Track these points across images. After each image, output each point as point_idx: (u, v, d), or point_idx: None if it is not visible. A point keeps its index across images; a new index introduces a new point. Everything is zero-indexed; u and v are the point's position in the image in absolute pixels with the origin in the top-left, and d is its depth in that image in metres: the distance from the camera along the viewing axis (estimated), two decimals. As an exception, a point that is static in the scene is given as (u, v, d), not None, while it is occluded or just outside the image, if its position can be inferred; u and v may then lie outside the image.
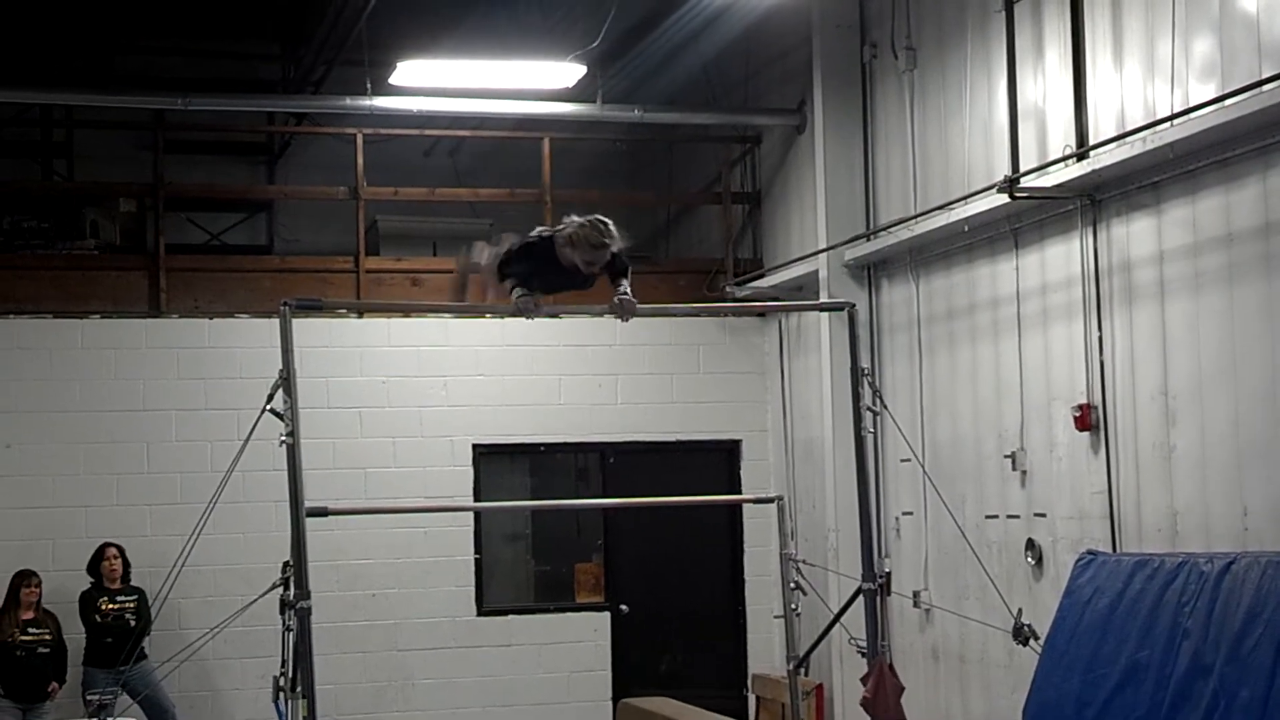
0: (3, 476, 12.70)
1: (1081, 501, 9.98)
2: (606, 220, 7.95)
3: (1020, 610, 9.37)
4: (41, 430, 12.82)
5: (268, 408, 8.20)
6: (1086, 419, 9.83)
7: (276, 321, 8.38)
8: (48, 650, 11.94)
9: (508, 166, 14.98)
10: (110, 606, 12.10)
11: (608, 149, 16.11)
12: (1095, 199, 9.82)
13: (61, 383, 12.91)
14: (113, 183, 14.33)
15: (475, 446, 13.72)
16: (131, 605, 12.10)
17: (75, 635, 12.13)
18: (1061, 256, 10.27)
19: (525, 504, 13.97)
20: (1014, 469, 10.66)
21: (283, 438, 8.17)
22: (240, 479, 8.55)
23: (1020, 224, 10.64)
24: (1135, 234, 9.52)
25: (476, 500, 13.55)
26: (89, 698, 8.76)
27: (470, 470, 13.67)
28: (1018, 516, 10.67)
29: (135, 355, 13.09)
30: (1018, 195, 10.08)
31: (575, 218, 7.98)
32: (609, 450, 13.94)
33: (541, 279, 8.17)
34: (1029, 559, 10.46)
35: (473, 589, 13.65)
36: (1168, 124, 8.92)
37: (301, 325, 8.73)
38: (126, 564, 12.28)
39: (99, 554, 12.28)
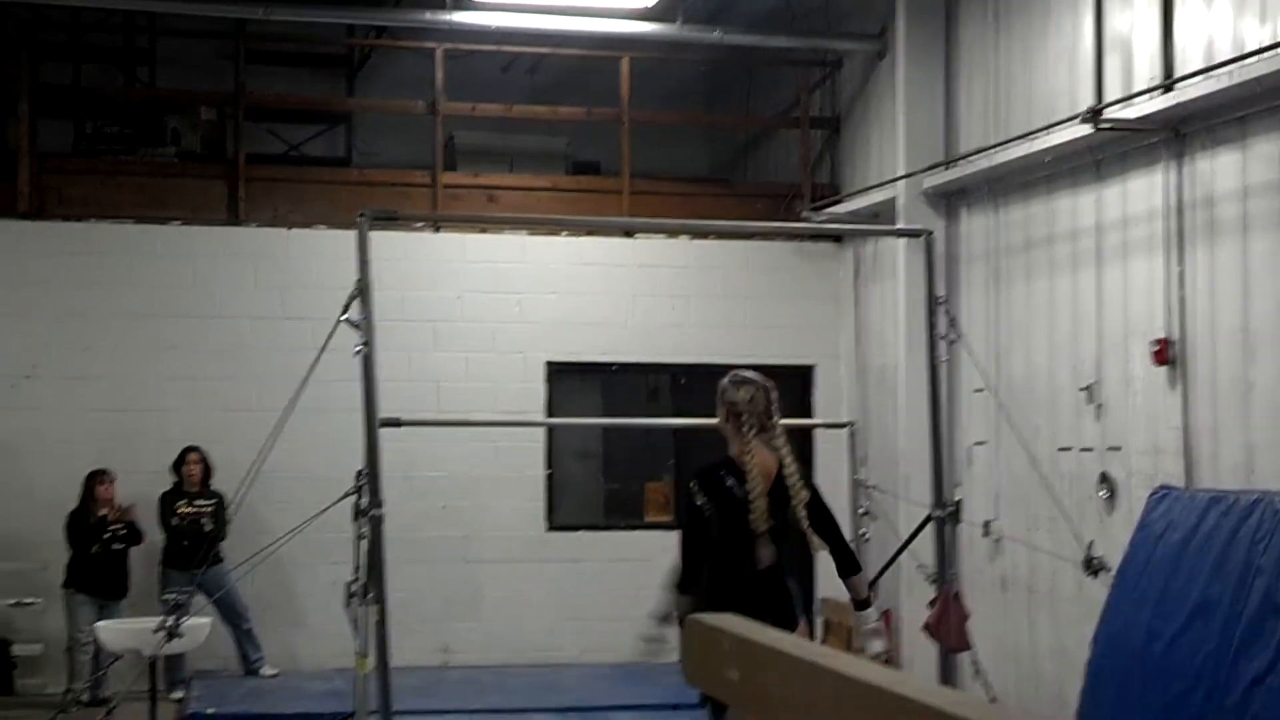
0: (82, 379, 12.86)
1: (1157, 436, 9.92)
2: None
3: (1091, 543, 9.35)
4: (120, 335, 12.97)
5: (343, 318, 8.27)
6: (1164, 354, 9.76)
7: (353, 233, 8.43)
8: (123, 547, 12.14)
9: (586, 86, 14.93)
10: (187, 510, 12.27)
11: (687, 71, 16.02)
12: (1180, 132, 9.70)
13: (140, 288, 13.05)
14: (194, 91, 14.42)
15: (548, 364, 13.78)
16: (209, 510, 12.26)
17: (156, 536, 12.35)
18: (1143, 190, 10.16)
19: (597, 420, 14.03)
20: (1089, 402, 10.60)
21: (358, 348, 8.24)
22: (315, 388, 8.62)
23: (1102, 156, 10.53)
24: (1219, 169, 9.41)
25: (548, 418, 13.62)
26: (165, 597, 8.91)
27: (542, 388, 13.74)
28: (1091, 450, 10.62)
29: (213, 263, 13.21)
30: (1101, 127, 9.98)
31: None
32: (681, 371, 13.96)
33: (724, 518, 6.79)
34: (1101, 493, 10.42)
35: (543, 505, 13.75)
36: (1256, 57, 8.78)
37: (378, 239, 8.80)
38: (208, 469, 12.44)
39: (181, 457, 12.45)
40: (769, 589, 6.62)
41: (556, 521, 13.81)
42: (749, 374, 6.93)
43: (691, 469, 6.88)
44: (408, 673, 10.59)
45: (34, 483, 12.59)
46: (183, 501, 12.32)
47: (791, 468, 6.76)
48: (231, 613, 12.33)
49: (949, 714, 3.29)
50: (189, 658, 12.04)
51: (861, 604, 6.94)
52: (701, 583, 6.61)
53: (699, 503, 6.64)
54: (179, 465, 12.43)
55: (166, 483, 12.48)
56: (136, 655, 9.33)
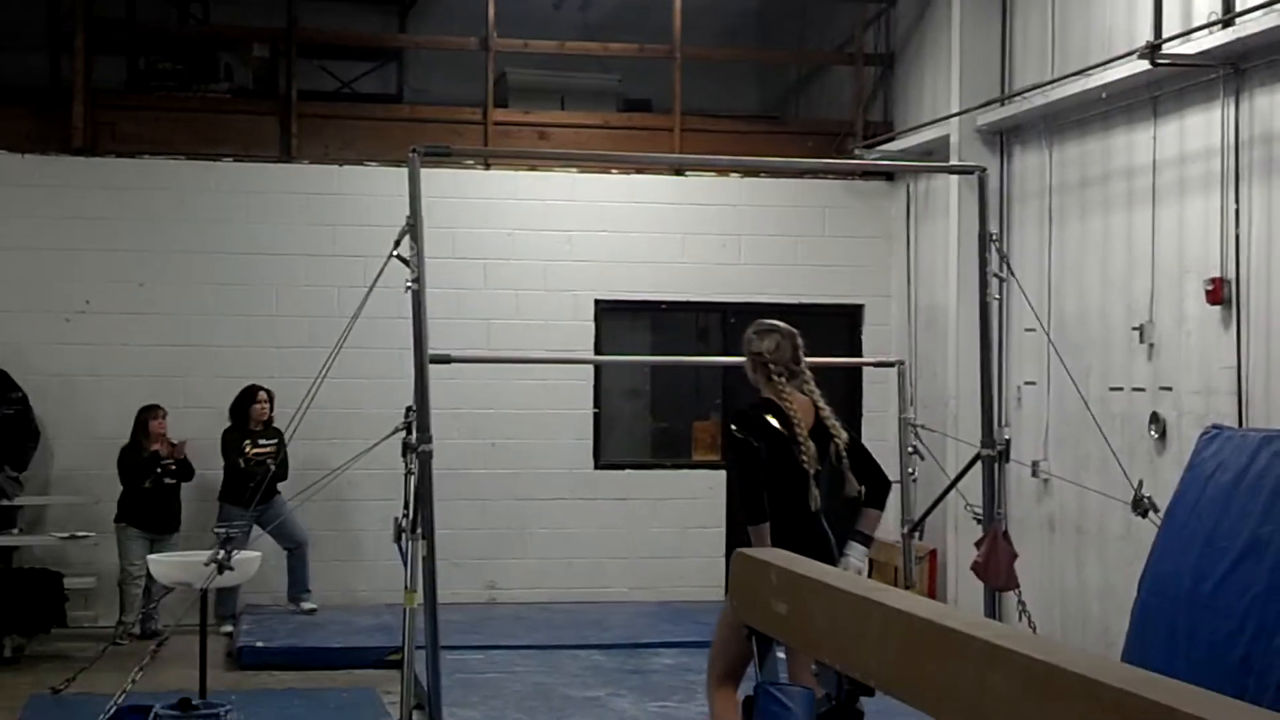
0: (135, 314, 12.94)
1: (1209, 376, 9.84)
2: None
3: (1141, 482, 9.29)
4: (173, 270, 13.03)
5: (394, 253, 8.26)
6: (1219, 293, 9.66)
7: (404, 170, 8.41)
8: (174, 482, 12.23)
9: (638, 22, 14.84)
10: (254, 450, 12.31)
11: (740, 6, 15.90)
12: (1239, 68, 9.56)
13: (193, 224, 13.09)
14: (247, 27, 14.40)
15: (597, 302, 13.77)
16: (272, 449, 12.32)
17: (210, 470, 12.45)
18: (1201, 127, 10.03)
19: (646, 358, 14.01)
20: (1141, 341, 10.52)
21: (409, 284, 8.23)
22: (365, 325, 8.62)
23: (1160, 92, 10.40)
24: (1279, 105, 9.27)
25: (597, 356, 13.63)
26: (216, 530, 8.96)
27: (592, 326, 13.73)
28: (1143, 389, 10.54)
29: (265, 199, 13.24)
30: (1159, 62, 9.85)
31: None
32: (730, 310, 13.92)
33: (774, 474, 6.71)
34: (1152, 432, 10.35)
35: (591, 443, 13.77)
36: (1319, -9, 8.65)
37: (429, 176, 8.77)
38: (271, 406, 12.47)
39: (248, 395, 12.48)
40: (819, 531, 6.61)
41: (604, 460, 13.83)
42: (772, 323, 6.92)
43: (733, 410, 6.86)
44: (455, 609, 10.66)
45: (87, 418, 12.69)
46: (248, 441, 12.36)
47: (827, 410, 6.75)
48: (290, 540, 12.43)
49: (993, 644, 3.28)
50: (240, 592, 12.16)
51: (864, 540, 6.90)
52: (767, 513, 6.58)
53: (745, 438, 6.62)
54: (244, 403, 12.45)
55: (218, 418, 12.56)
56: (187, 588, 9.40)
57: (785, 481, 6.55)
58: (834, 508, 6.75)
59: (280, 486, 12.08)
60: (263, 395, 12.42)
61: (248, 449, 12.31)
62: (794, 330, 6.87)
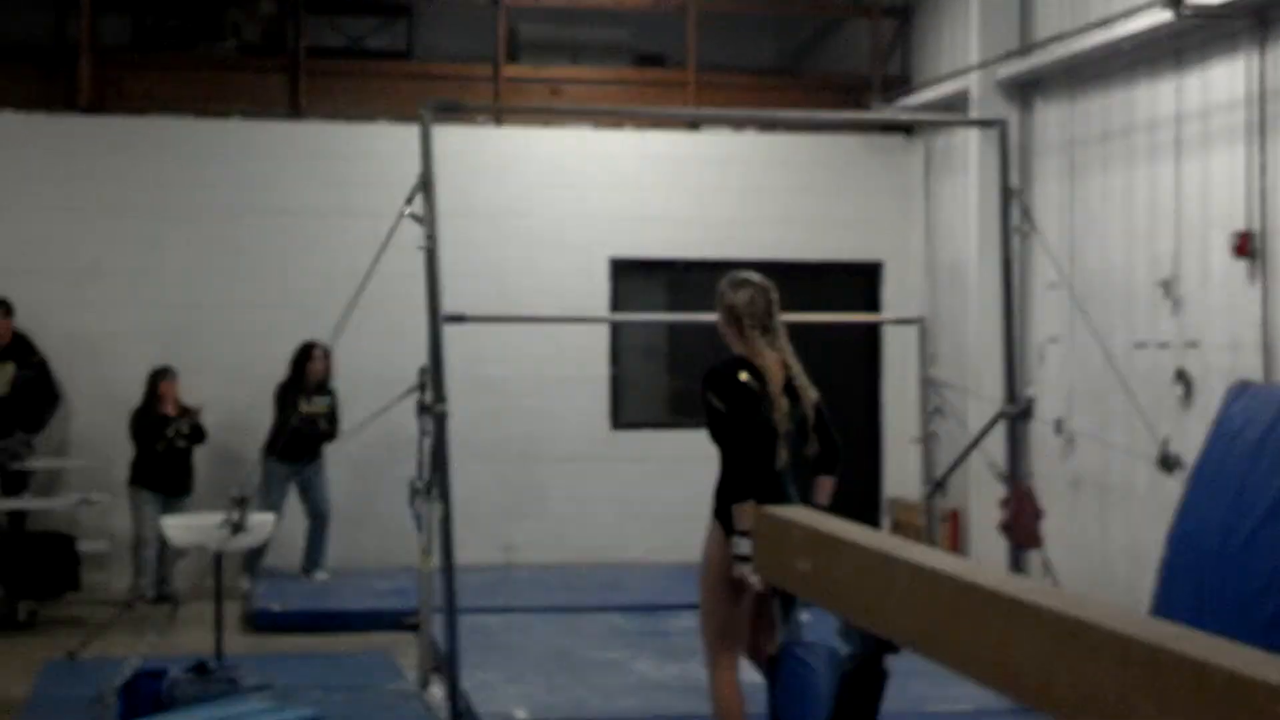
0: (144, 274, 12.84)
1: (1235, 331, 9.69)
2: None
3: (1166, 440, 9.16)
4: (182, 230, 12.92)
5: (407, 211, 8.14)
6: (1245, 246, 9.50)
7: (414, 127, 8.29)
8: (186, 444, 12.14)
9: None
10: (306, 409, 12.19)
11: (755, -40, 15.72)
12: (1264, 18, 9.39)
13: (201, 183, 12.98)
14: (255, -16, 14.25)
15: (612, 260, 13.63)
16: (324, 409, 12.23)
17: (221, 435, 12.37)
18: (1225, 78, 9.86)
19: (661, 316, 13.88)
20: (1166, 296, 10.37)
21: (422, 243, 8.12)
22: (377, 284, 8.47)
23: (1183, 43, 10.23)
24: (1307, 54, 9.11)
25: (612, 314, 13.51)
26: (232, 492, 8.77)
27: (607, 285, 13.60)
28: (1168, 345, 10.40)
29: (274, 158, 13.12)
30: (1183, 13, 9.66)
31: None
32: (747, 268, 13.72)
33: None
34: (1178, 389, 10.20)
35: (608, 404, 13.66)
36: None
37: (440, 133, 8.63)
38: (327, 365, 12.29)
39: (305, 352, 12.33)
40: (784, 491, 6.38)
41: (621, 420, 13.72)
42: (747, 275, 6.69)
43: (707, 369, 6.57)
44: (472, 571, 10.56)
45: (98, 379, 12.61)
46: (303, 398, 12.24)
47: (797, 368, 6.54)
48: (316, 508, 12.36)
49: (1021, 600, 3.17)
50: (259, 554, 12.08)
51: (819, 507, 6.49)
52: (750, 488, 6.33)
53: (720, 402, 6.36)
54: (303, 360, 12.31)
55: (230, 378, 12.50)
56: (201, 551, 9.32)
57: (753, 439, 6.36)
58: (794, 466, 6.53)
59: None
60: (318, 352, 12.20)
61: (303, 407, 12.18)
62: (770, 285, 6.64)
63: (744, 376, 6.35)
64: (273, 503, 11.66)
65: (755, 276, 6.66)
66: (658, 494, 13.48)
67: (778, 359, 6.47)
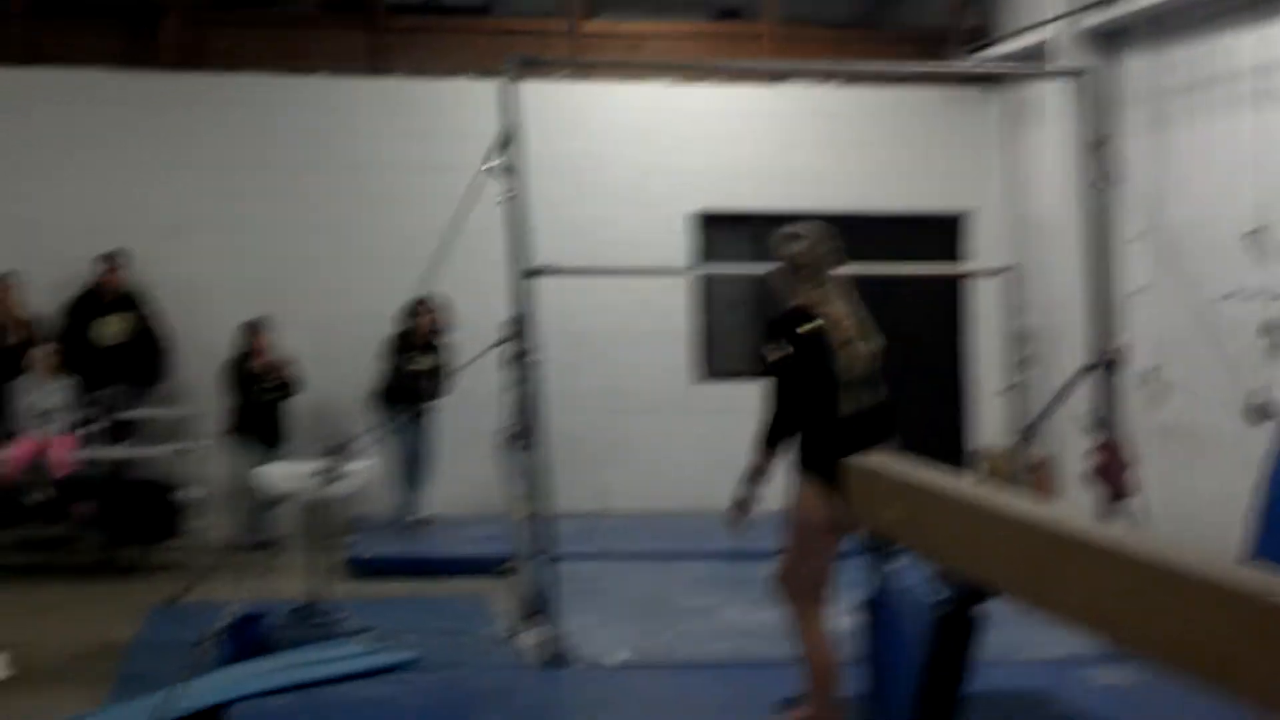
0: (229, 230, 13.06)
1: (1322, 282, 9.66)
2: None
3: (1254, 391, 9.16)
4: (264, 186, 13.12)
5: (491, 164, 8.22)
6: (1333, 196, 9.46)
7: (493, 83, 8.34)
8: (278, 397, 12.36)
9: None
10: (411, 366, 12.38)
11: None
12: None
13: (284, 139, 13.16)
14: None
15: (694, 214, 13.70)
16: (428, 367, 12.42)
17: (310, 390, 12.59)
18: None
19: (742, 268, 13.92)
20: (1253, 248, 10.33)
21: (504, 195, 8.20)
22: (460, 239, 8.58)
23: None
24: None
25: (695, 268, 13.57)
26: (327, 442, 8.93)
27: (689, 238, 13.67)
28: (1255, 297, 10.37)
29: (355, 114, 13.27)
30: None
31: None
32: (832, 220, 13.75)
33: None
34: (1266, 339, 10.18)
35: (694, 355, 13.74)
36: None
37: (519, 89, 8.70)
38: (436, 321, 12.48)
39: (411, 309, 12.46)
40: (851, 439, 6.39)
41: (706, 371, 13.81)
42: (800, 227, 6.74)
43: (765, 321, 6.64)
44: (562, 519, 10.69)
45: (190, 331, 12.81)
46: (413, 353, 12.44)
47: (859, 316, 6.60)
48: (418, 461, 12.55)
49: (1117, 547, 3.25)
50: (355, 502, 12.26)
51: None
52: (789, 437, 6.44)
53: (783, 352, 6.47)
54: (411, 316, 12.47)
55: (313, 332, 12.75)
56: (298, 499, 9.49)
57: (822, 390, 6.45)
58: (859, 415, 6.59)
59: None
60: (422, 308, 12.40)
61: (410, 365, 12.37)
62: (824, 235, 6.70)
63: (807, 327, 6.43)
64: (377, 451, 11.86)
65: (808, 228, 6.71)
66: (742, 444, 13.46)
67: (840, 309, 6.53)
